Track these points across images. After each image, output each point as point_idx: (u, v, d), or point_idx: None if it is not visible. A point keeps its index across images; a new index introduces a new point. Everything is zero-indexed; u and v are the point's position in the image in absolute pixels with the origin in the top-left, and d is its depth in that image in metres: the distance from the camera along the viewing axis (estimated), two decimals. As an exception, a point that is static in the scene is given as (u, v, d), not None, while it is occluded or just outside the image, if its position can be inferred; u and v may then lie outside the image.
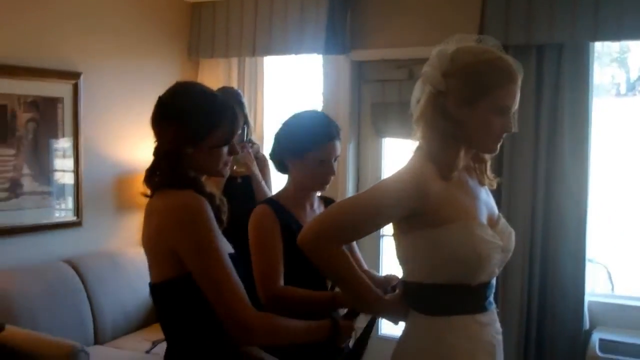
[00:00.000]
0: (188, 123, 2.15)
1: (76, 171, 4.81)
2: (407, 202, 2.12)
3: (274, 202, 2.71)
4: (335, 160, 2.69)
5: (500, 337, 2.28)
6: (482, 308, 2.21)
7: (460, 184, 2.20)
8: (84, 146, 4.84)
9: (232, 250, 2.21)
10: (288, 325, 2.21)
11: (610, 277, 4.88)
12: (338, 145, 2.69)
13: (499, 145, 2.21)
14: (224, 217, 2.25)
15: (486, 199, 2.30)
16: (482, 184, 2.32)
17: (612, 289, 4.84)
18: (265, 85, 5.63)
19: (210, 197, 2.18)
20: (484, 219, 2.20)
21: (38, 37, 4.59)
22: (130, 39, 5.24)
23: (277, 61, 5.64)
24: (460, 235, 2.11)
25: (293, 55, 5.30)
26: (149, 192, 2.22)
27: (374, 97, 5.20)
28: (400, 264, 2.26)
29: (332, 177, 2.70)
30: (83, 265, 4.64)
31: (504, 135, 2.19)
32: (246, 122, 4.28)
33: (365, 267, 2.86)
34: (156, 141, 2.21)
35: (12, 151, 4.41)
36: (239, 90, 4.75)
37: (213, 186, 2.27)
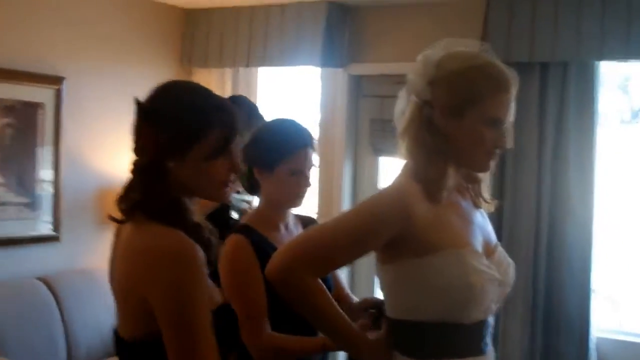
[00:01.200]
0: (166, 128, 1.72)
1: (56, 182, 4.54)
2: (388, 226, 1.88)
3: (247, 229, 2.43)
4: (309, 170, 2.45)
5: (496, 384, 2.03)
6: (477, 350, 1.96)
7: (451, 206, 1.96)
8: (65, 155, 4.58)
9: (219, 301, 1.88)
10: None
11: (615, 311, 4.63)
12: (312, 153, 2.45)
13: (491, 163, 1.98)
14: (213, 256, 1.78)
15: (482, 224, 2.05)
16: (477, 206, 2.07)
17: (618, 323, 4.59)
18: (259, 97, 5.39)
19: (197, 230, 1.74)
20: (478, 246, 1.95)
21: (20, 39, 4.36)
22: (120, 45, 5.00)
23: (274, 73, 5.41)
24: (450, 265, 1.86)
25: (289, 67, 5.09)
26: (119, 215, 1.79)
27: (372, 113, 4.97)
28: (384, 298, 2.01)
29: (306, 189, 2.45)
30: (58, 283, 4.35)
31: (497, 151, 1.95)
32: None
33: (347, 290, 2.61)
34: (134, 153, 1.81)
35: (-15, 159, 4.17)
36: (255, 104, 4.28)
37: (198, 209, 1.86)
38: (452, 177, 1.94)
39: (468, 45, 2.02)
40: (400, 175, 1.99)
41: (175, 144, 1.72)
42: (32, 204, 4.45)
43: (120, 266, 1.77)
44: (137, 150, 1.80)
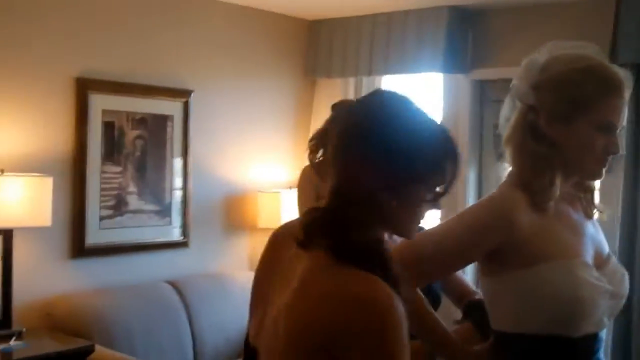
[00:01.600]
0: (393, 162, 1.45)
1: (184, 190, 4.72)
2: (490, 237, 1.81)
3: None
4: None
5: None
6: None
7: (558, 216, 1.87)
8: (193, 165, 4.76)
9: None
10: None
11: None
12: None
13: (604, 170, 1.87)
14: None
15: (594, 235, 1.95)
16: (588, 216, 1.97)
17: None
18: (382, 106, 5.39)
19: (397, 280, 1.46)
20: (589, 257, 1.86)
21: (150, 55, 4.57)
22: (245, 57, 5.14)
23: (396, 80, 5.40)
24: (559, 276, 1.77)
25: (411, 75, 5.08)
26: (303, 238, 1.51)
27: (496, 119, 4.84)
28: (488, 310, 1.94)
29: None
30: (186, 287, 4.52)
31: (608, 157, 1.85)
32: None
33: (471, 286, 2.49)
34: (337, 175, 1.49)
35: (118, 168, 4.38)
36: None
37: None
38: (559, 186, 1.85)
39: (576, 47, 1.92)
40: (505, 184, 1.92)
41: (399, 182, 1.46)
42: (163, 212, 4.64)
43: (294, 305, 1.46)
44: (348, 175, 1.48)
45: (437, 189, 1.52)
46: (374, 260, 1.44)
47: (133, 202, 4.47)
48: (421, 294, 1.90)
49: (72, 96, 4.18)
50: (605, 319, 1.87)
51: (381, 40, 5.05)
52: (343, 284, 1.40)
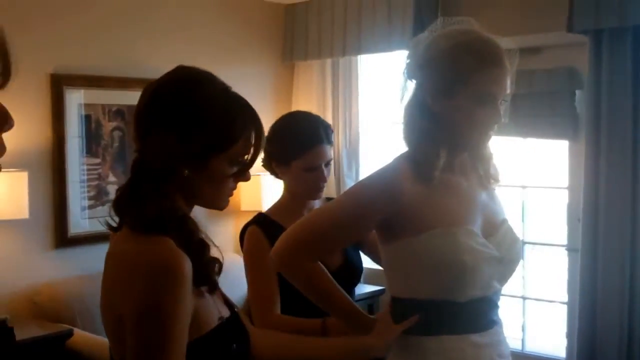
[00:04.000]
0: (193, 134, 1.50)
1: (164, 178, 4.84)
2: (379, 206, 1.93)
3: (263, 219, 2.50)
4: (326, 165, 2.48)
5: (505, 361, 2.03)
6: (479, 327, 1.96)
7: (447, 186, 1.97)
8: (172, 153, 4.85)
9: (226, 314, 1.67)
10: None
11: None
12: (327, 149, 2.48)
13: (488, 140, 1.98)
14: (216, 277, 1.56)
15: (486, 203, 2.05)
16: (482, 186, 2.07)
17: None
18: (360, 86, 5.46)
19: (199, 247, 1.52)
20: (475, 225, 1.95)
21: (123, 46, 4.68)
22: (222, 45, 5.24)
23: (372, 59, 5.47)
24: (442, 244, 1.88)
25: (384, 53, 5.14)
26: (115, 223, 1.56)
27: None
28: (385, 277, 2.07)
29: (324, 184, 2.49)
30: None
31: (492, 129, 1.95)
32: None
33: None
34: (139, 150, 1.56)
35: (97, 160, 4.52)
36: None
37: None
38: (444, 158, 1.94)
39: (459, 22, 2.00)
40: (396, 157, 2.02)
41: (198, 152, 1.52)
42: (144, 200, 4.75)
43: (102, 282, 1.59)
44: (147, 148, 1.54)
45: (242, 160, 1.57)
46: (167, 225, 1.47)
47: (113, 191, 4.53)
48: (321, 267, 2.02)
49: (47, 92, 4.32)
50: (495, 283, 1.97)
51: (353, 20, 5.12)
52: (128, 251, 1.48)
